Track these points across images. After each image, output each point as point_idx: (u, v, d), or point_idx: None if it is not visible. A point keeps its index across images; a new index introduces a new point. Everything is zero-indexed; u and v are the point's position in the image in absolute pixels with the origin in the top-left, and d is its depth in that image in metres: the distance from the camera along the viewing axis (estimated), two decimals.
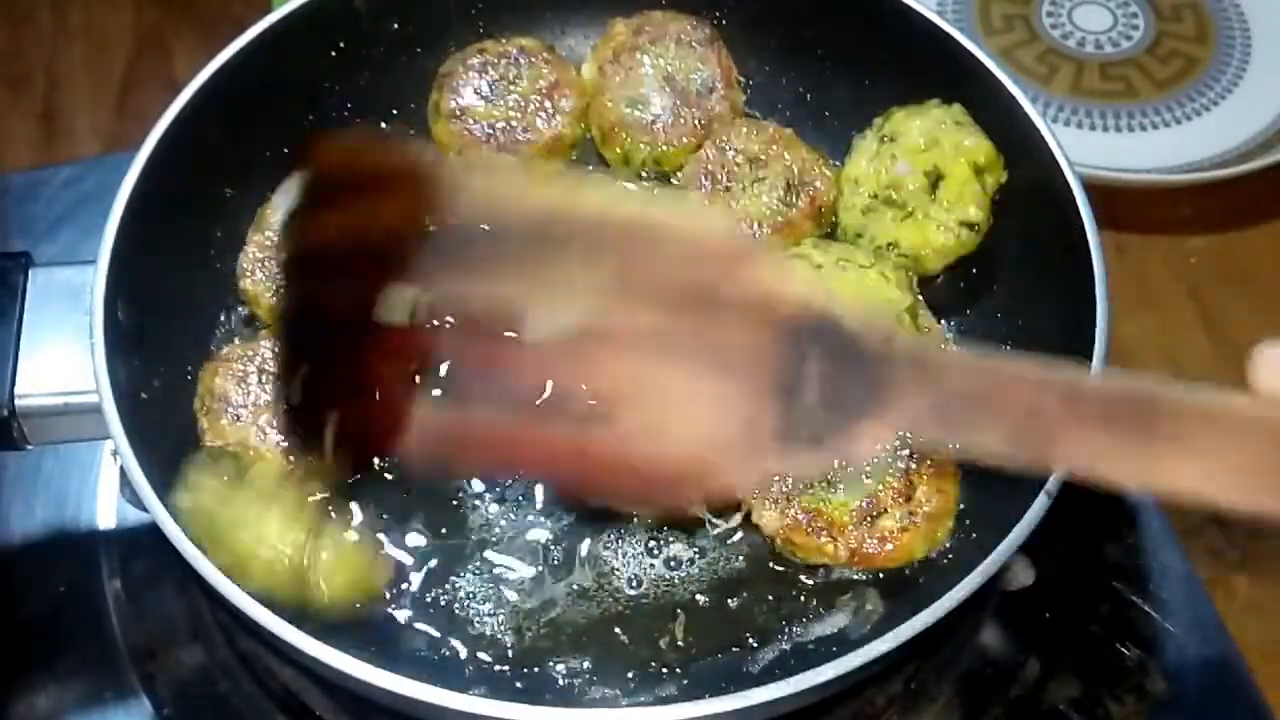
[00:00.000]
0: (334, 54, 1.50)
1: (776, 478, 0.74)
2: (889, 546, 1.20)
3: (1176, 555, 1.40)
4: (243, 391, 1.26)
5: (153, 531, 1.10)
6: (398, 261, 0.75)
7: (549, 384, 0.74)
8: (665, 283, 0.75)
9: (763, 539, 1.23)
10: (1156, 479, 0.70)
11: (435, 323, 0.74)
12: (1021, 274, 1.37)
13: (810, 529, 1.19)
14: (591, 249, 0.75)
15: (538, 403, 0.74)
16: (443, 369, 0.74)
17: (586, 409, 0.75)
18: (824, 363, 0.74)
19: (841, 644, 1.17)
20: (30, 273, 1.24)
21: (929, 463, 1.22)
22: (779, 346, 0.74)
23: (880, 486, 1.20)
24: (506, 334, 0.74)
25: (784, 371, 0.74)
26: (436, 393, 0.75)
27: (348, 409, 0.79)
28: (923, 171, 1.37)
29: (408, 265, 0.75)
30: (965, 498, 1.29)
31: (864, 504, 1.20)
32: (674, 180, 1.48)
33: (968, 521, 1.24)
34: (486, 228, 0.74)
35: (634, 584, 1.23)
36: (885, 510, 1.20)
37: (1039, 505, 1.10)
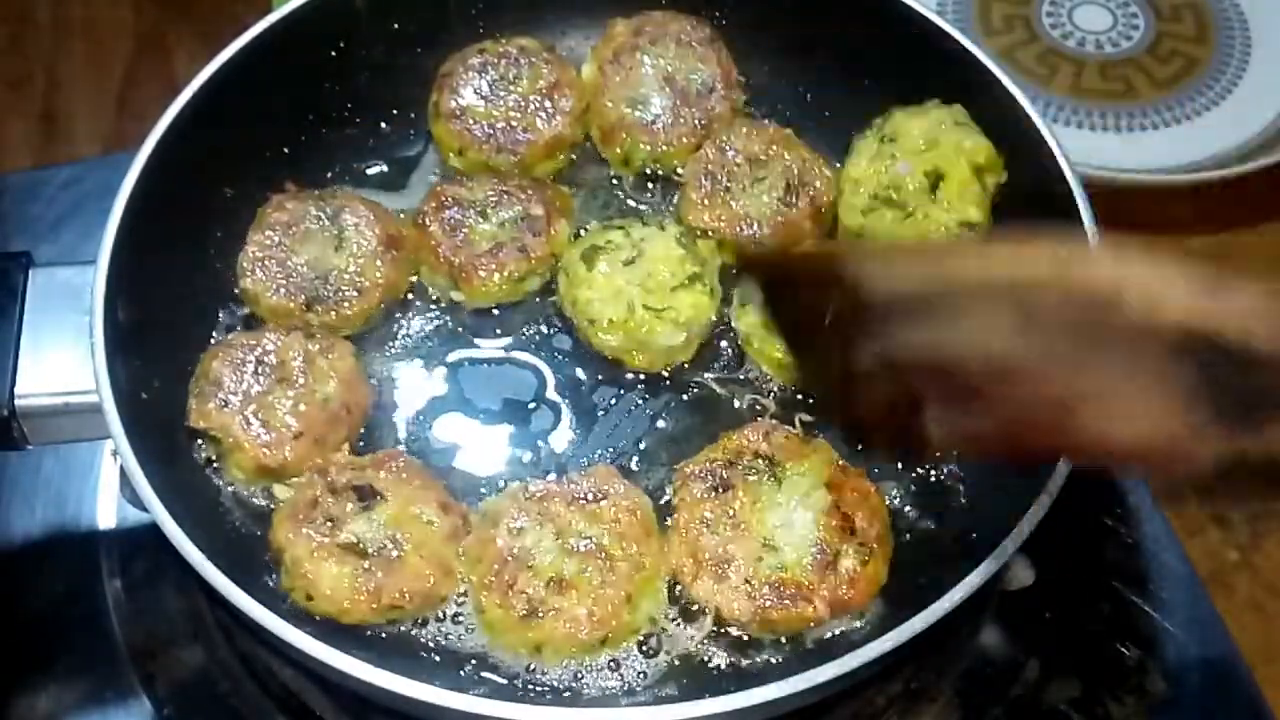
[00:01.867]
0: (334, 54, 1.50)
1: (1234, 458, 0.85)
2: (860, 584, 1.18)
3: (1176, 555, 1.40)
4: (236, 378, 1.26)
5: (153, 531, 1.10)
6: (850, 331, 0.93)
7: (1007, 395, 0.88)
8: (1057, 323, 0.85)
9: (736, 637, 1.19)
10: None
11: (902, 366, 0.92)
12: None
13: (783, 602, 1.16)
14: (988, 305, 0.87)
15: (1006, 409, 0.88)
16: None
17: (1050, 407, 0.86)
18: (1223, 368, 0.80)
19: (841, 644, 1.17)
20: (30, 273, 1.24)
21: (851, 490, 1.22)
22: (1175, 361, 0.81)
23: (819, 528, 1.19)
24: (955, 368, 0.88)
25: (1192, 379, 0.81)
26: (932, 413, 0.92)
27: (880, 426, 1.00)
28: (923, 172, 1.37)
29: (860, 333, 0.92)
30: (966, 496, 1.29)
31: (815, 554, 1.18)
32: (675, 177, 1.48)
33: (970, 522, 1.24)
34: (900, 299, 0.90)
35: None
36: (839, 551, 1.18)
37: (1039, 505, 1.10)
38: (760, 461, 1.23)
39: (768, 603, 1.16)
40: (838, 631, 1.19)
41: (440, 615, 1.20)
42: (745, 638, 1.19)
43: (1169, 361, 0.81)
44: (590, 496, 1.20)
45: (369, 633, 1.18)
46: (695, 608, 1.19)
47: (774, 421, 1.28)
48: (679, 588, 1.20)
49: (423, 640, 1.19)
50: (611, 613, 1.14)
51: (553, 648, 1.14)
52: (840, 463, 1.25)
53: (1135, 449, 0.86)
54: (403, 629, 1.19)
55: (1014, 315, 0.86)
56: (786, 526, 1.19)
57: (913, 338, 0.89)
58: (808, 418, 1.32)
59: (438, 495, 1.22)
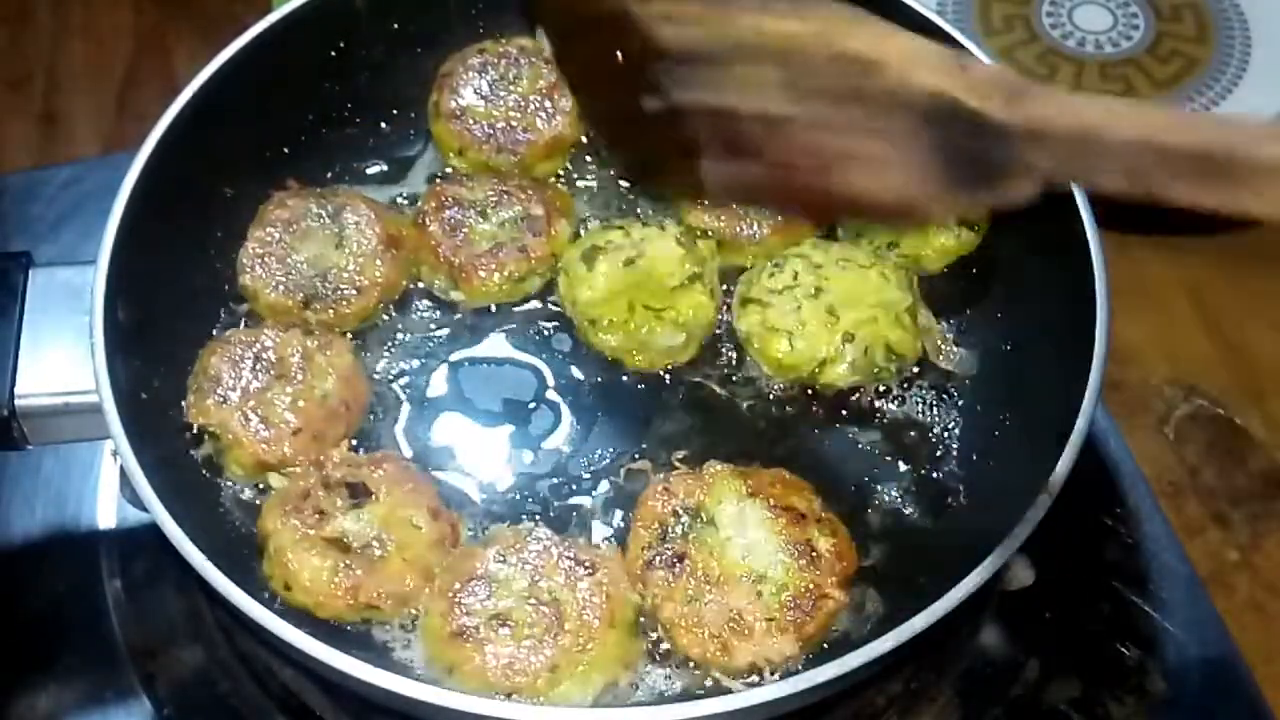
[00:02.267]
0: (334, 54, 1.50)
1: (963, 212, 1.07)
2: (845, 550, 1.19)
3: (1176, 555, 1.40)
4: (235, 375, 1.26)
5: (153, 531, 1.10)
6: (636, 72, 1.01)
7: (776, 148, 0.98)
8: (822, 84, 0.94)
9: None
10: (1235, 207, 0.85)
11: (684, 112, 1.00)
12: (1022, 274, 1.37)
13: (809, 613, 1.14)
14: (759, 60, 0.96)
15: (774, 162, 0.98)
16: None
17: (811, 164, 0.97)
18: (963, 137, 0.90)
19: (841, 644, 1.17)
20: (30, 273, 1.24)
21: (771, 486, 1.22)
22: (924, 127, 0.91)
23: (777, 534, 1.18)
24: (731, 117, 0.98)
25: (937, 144, 0.91)
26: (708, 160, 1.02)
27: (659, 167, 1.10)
28: None
29: (645, 74, 1.00)
30: (966, 496, 1.29)
31: (795, 555, 1.17)
32: None
33: (970, 522, 1.24)
34: (685, 48, 0.98)
35: None
36: (808, 539, 1.18)
37: (1039, 505, 1.10)
38: (685, 518, 1.20)
39: (800, 623, 1.15)
40: (838, 631, 1.19)
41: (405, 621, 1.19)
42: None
43: (918, 125, 0.91)
44: (583, 565, 1.17)
45: (366, 631, 1.18)
46: (756, 671, 1.15)
47: (660, 475, 1.26)
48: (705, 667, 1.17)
49: (381, 640, 1.19)
50: (523, 670, 1.11)
51: (462, 676, 1.12)
52: (739, 470, 1.24)
53: (885, 202, 0.97)
54: (363, 628, 1.19)
55: (785, 71, 0.95)
56: (753, 553, 1.18)
57: (694, 84, 0.98)
58: (682, 453, 1.30)
59: (429, 501, 1.22)
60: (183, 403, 1.26)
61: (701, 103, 0.98)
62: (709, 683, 1.16)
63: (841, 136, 0.95)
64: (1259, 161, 0.82)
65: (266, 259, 1.36)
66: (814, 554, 1.17)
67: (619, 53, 1.02)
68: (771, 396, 1.35)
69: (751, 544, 1.19)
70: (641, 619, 1.19)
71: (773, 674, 1.14)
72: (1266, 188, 0.83)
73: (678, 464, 1.29)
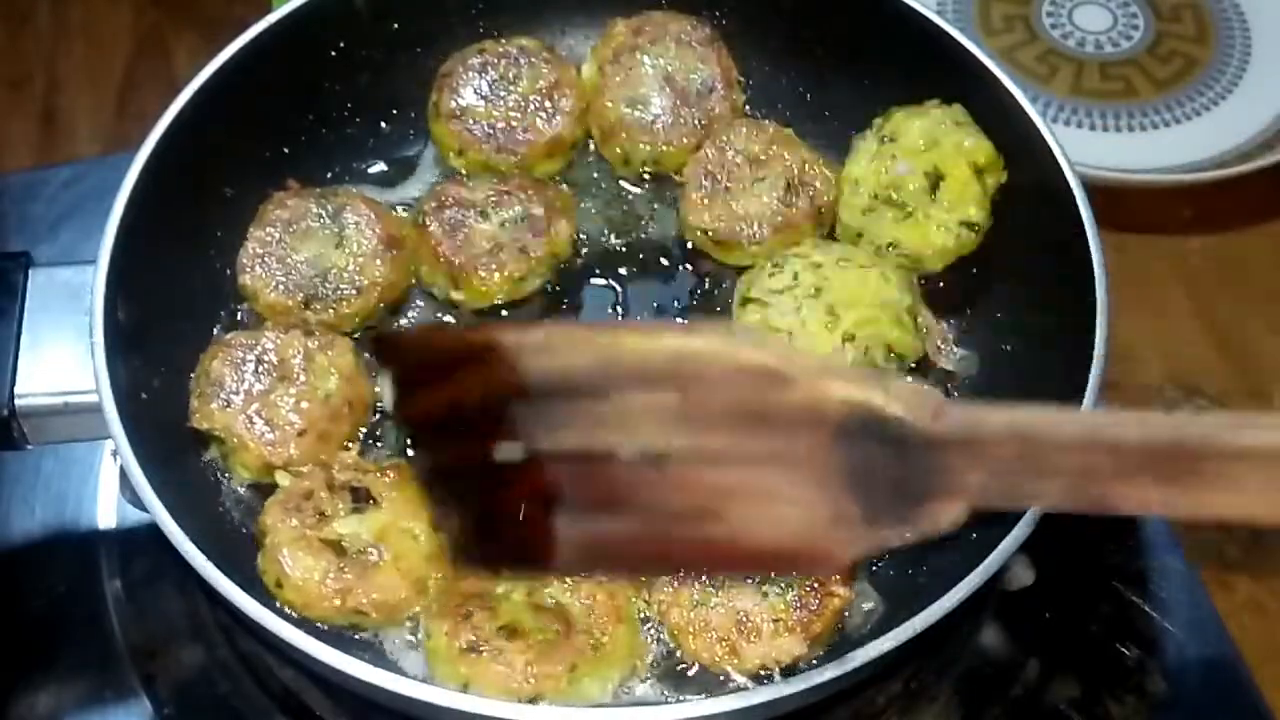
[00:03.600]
0: (334, 54, 1.50)
1: (873, 555, 0.90)
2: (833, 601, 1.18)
3: (1176, 555, 1.40)
4: (237, 378, 1.26)
5: (153, 531, 1.10)
6: (494, 418, 0.87)
7: (654, 496, 0.85)
8: (720, 406, 0.83)
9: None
10: (1205, 511, 0.74)
11: (545, 458, 0.86)
12: (1022, 274, 1.37)
13: (816, 610, 1.14)
14: (648, 385, 0.84)
15: (648, 513, 0.85)
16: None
17: (694, 512, 0.84)
18: (883, 454, 0.80)
19: (841, 644, 1.17)
20: (30, 273, 1.24)
21: None
22: (837, 446, 0.80)
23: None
24: (603, 462, 0.84)
25: (850, 466, 0.81)
26: (566, 517, 0.87)
27: (495, 537, 0.92)
28: (923, 172, 1.37)
29: (504, 419, 0.86)
30: None
31: (796, 597, 1.16)
32: (675, 177, 1.48)
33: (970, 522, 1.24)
34: (557, 380, 0.85)
35: None
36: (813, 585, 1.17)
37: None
38: None
39: (807, 621, 1.15)
40: (839, 631, 1.19)
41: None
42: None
43: (829, 446, 0.81)
44: None
45: (365, 633, 1.18)
46: (765, 672, 1.15)
47: None
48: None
49: (382, 641, 1.19)
50: (548, 673, 1.11)
51: (479, 686, 1.11)
52: None
53: (780, 548, 0.85)
54: (361, 635, 1.19)
55: (674, 398, 0.83)
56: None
57: (563, 424, 0.85)
58: None
59: (431, 513, 1.22)
60: (186, 404, 1.26)
61: (570, 446, 0.85)
62: (708, 679, 1.16)
63: (735, 470, 0.83)
64: (1239, 448, 0.71)
65: (266, 259, 1.36)
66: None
67: (478, 395, 0.88)
68: None
69: None
70: (645, 621, 1.19)
71: (782, 674, 1.14)
72: (1248, 477, 0.71)
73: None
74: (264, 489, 1.26)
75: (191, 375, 1.29)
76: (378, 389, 1.31)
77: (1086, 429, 0.77)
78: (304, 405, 1.26)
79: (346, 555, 1.16)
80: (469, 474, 0.90)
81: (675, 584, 1.17)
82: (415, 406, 0.93)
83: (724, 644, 1.14)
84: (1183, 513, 0.75)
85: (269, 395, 1.25)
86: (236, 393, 1.25)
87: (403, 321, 1.40)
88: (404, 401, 0.93)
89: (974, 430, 0.79)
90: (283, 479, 1.24)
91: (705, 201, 1.42)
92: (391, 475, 1.22)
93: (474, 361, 0.88)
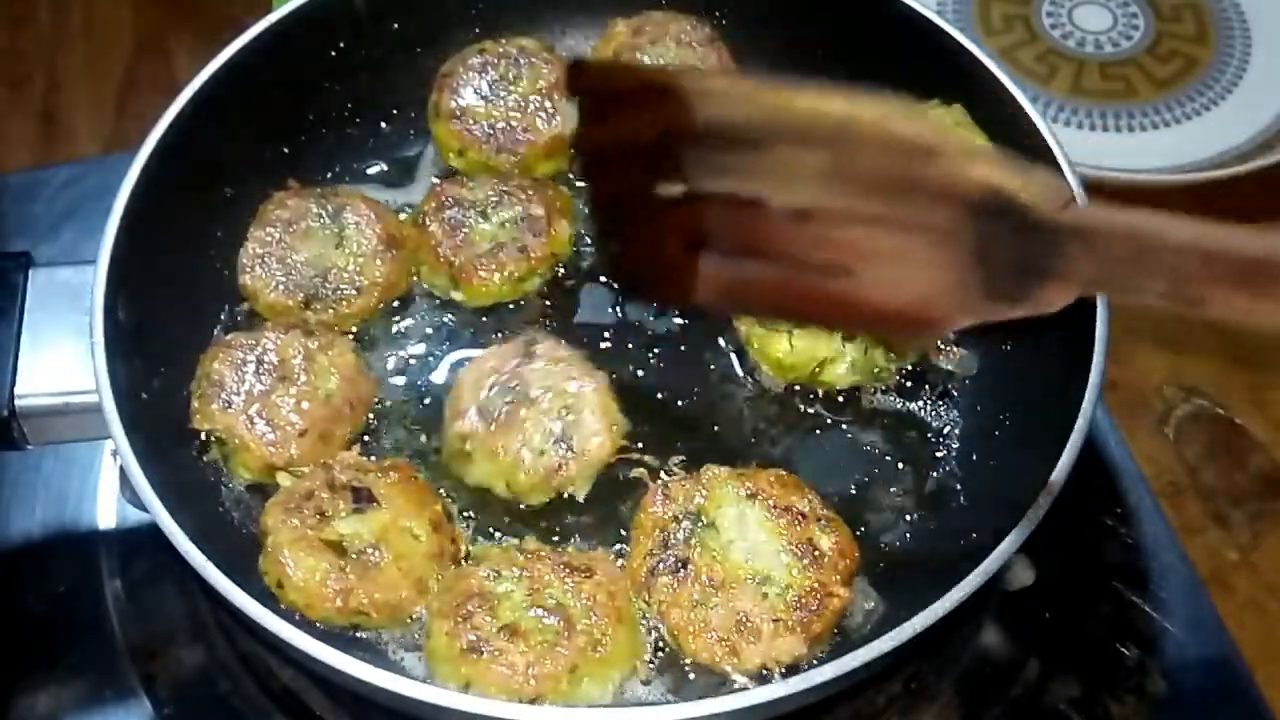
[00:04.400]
0: (334, 54, 1.50)
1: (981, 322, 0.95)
2: (846, 547, 1.19)
3: (1176, 555, 1.40)
4: (238, 379, 1.26)
5: (153, 531, 1.10)
6: (663, 155, 0.94)
7: (794, 246, 0.92)
8: (869, 171, 0.90)
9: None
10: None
11: (702, 199, 0.94)
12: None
13: (816, 611, 1.14)
14: (808, 143, 0.91)
15: (787, 261, 0.93)
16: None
17: (829, 265, 0.92)
18: (1010, 234, 0.87)
19: (841, 644, 1.17)
20: (30, 273, 1.24)
21: (767, 486, 1.21)
22: (970, 221, 0.88)
23: (778, 534, 1.18)
24: (754, 208, 0.92)
25: (978, 241, 0.88)
26: (712, 256, 0.96)
27: (650, 263, 1.02)
28: None
29: (672, 158, 0.94)
30: (966, 496, 1.29)
31: (797, 555, 1.17)
32: None
33: (970, 522, 1.24)
34: (725, 127, 0.92)
35: None
36: (809, 537, 1.18)
37: (1039, 505, 1.10)
38: (685, 523, 1.20)
39: (807, 622, 1.15)
40: (839, 631, 1.19)
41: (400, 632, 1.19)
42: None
43: (963, 221, 0.87)
44: (579, 569, 1.17)
45: (366, 633, 1.18)
46: (765, 672, 1.15)
47: (659, 482, 1.25)
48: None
49: (382, 641, 1.19)
50: (549, 674, 1.11)
51: (481, 687, 1.11)
52: (737, 472, 1.24)
53: (906, 308, 0.92)
54: (362, 635, 1.19)
55: (829, 157, 0.90)
56: (756, 554, 1.18)
57: (723, 170, 0.93)
58: (680, 457, 1.30)
59: (432, 513, 1.21)
60: (186, 404, 1.26)
61: (726, 190, 0.93)
62: (708, 679, 1.16)
63: (873, 231, 0.90)
64: None
65: (267, 259, 1.36)
66: (816, 552, 1.17)
67: (650, 130, 0.96)
68: (771, 396, 1.35)
69: (754, 546, 1.19)
70: (646, 623, 1.19)
71: (783, 675, 1.14)
72: None
73: (675, 469, 1.29)
74: (264, 489, 1.26)
75: (192, 375, 1.28)
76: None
77: (1196, 235, 0.84)
78: (305, 405, 1.26)
79: (348, 555, 1.16)
80: (632, 203, 0.99)
81: (676, 584, 1.17)
82: (594, 135, 1.02)
83: (724, 644, 1.14)
84: (1266, 321, 0.83)
85: (270, 396, 1.25)
86: (237, 393, 1.25)
87: (406, 323, 1.40)
88: (584, 128, 1.02)
89: (1095, 223, 0.86)
90: (284, 479, 1.24)
91: (693, 310, 1.41)
92: (393, 475, 1.22)
93: (653, 100, 0.95)
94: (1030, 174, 0.87)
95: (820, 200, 0.90)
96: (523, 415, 1.26)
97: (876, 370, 1.33)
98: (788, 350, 1.33)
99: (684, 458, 1.30)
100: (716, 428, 1.33)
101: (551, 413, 1.26)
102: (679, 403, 1.35)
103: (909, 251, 0.90)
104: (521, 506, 1.27)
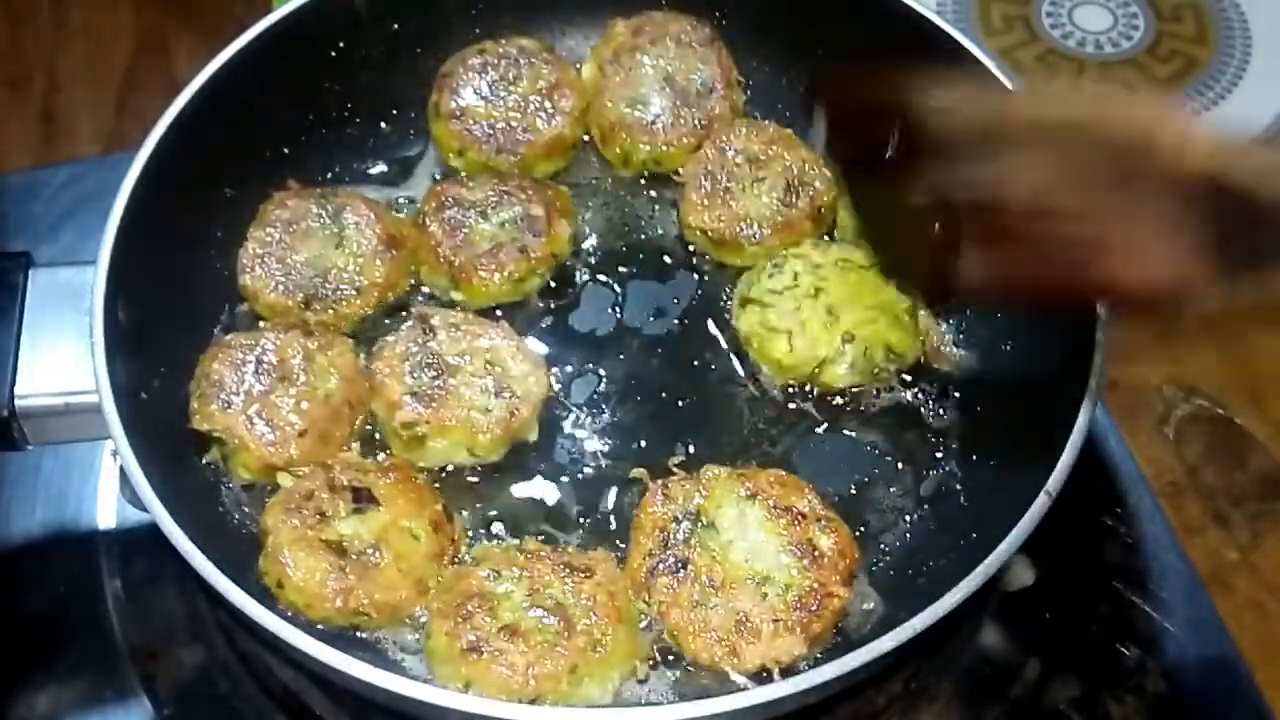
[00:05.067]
0: (334, 54, 1.50)
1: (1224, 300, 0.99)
2: (846, 547, 1.19)
3: (1176, 555, 1.40)
4: (237, 379, 1.26)
5: (153, 531, 1.10)
6: (909, 165, 1.02)
7: (1043, 237, 0.96)
8: (1101, 165, 0.93)
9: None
10: None
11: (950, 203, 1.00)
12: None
13: (815, 611, 1.15)
14: (1034, 147, 0.95)
15: (1039, 251, 0.97)
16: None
17: (1079, 251, 0.95)
18: (1242, 218, 0.89)
19: (841, 644, 1.17)
20: (30, 273, 1.24)
21: (768, 486, 1.21)
22: (1202, 206, 0.89)
23: (778, 535, 1.18)
24: (998, 209, 0.97)
25: (1212, 224, 0.90)
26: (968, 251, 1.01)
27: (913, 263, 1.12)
28: None
29: (917, 167, 1.01)
30: (966, 496, 1.29)
31: (797, 555, 1.17)
32: (675, 177, 1.48)
33: (970, 522, 1.25)
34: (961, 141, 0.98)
35: None
36: (809, 538, 1.18)
37: (1039, 505, 1.10)
38: (685, 523, 1.20)
39: (807, 622, 1.15)
40: (839, 631, 1.19)
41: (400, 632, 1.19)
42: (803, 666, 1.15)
43: (1189, 207, 0.89)
44: (579, 569, 1.17)
45: (366, 633, 1.18)
46: (765, 672, 1.15)
47: (659, 482, 1.25)
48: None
49: (382, 641, 1.20)
50: (549, 674, 1.11)
51: (481, 687, 1.11)
52: (737, 472, 1.24)
53: (1148, 288, 0.94)
54: (362, 635, 1.19)
55: (1057, 155, 0.94)
56: (756, 555, 1.18)
57: (965, 174, 0.97)
58: (679, 458, 1.30)
59: (432, 513, 1.22)
60: (185, 404, 1.26)
61: (969, 197, 0.98)
62: (708, 680, 1.16)
63: (1109, 224, 0.94)
64: None
65: (266, 259, 1.36)
66: (816, 552, 1.17)
67: (893, 144, 1.03)
68: (771, 396, 1.35)
69: (754, 546, 1.19)
70: (645, 622, 1.19)
71: (782, 674, 1.14)
72: None
73: (675, 469, 1.29)
74: (265, 489, 1.26)
75: (192, 375, 1.28)
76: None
77: None
78: (304, 405, 1.26)
79: (348, 556, 1.16)
80: (894, 212, 1.07)
81: (676, 584, 1.17)
82: (840, 148, 1.11)
83: (724, 644, 1.14)
84: None
85: (269, 396, 1.25)
86: (237, 393, 1.25)
87: (402, 323, 1.40)
88: (834, 142, 1.11)
89: None
90: (284, 480, 1.24)
91: (705, 202, 1.42)
92: (393, 475, 1.22)
93: (894, 115, 1.02)
94: (1253, 152, 0.91)
95: (1059, 193, 0.94)
96: (455, 383, 1.28)
97: (876, 370, 1.33)
98: (787, 351, 1.33)
99: (684, 458, 1.30)
100: (716, 428, 1.33)
101: (480, 372, 1.28)
102: (679, 403, 1.35)
103: (1152, 233, 0.92)
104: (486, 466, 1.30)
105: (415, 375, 1.28)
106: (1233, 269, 0.91)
